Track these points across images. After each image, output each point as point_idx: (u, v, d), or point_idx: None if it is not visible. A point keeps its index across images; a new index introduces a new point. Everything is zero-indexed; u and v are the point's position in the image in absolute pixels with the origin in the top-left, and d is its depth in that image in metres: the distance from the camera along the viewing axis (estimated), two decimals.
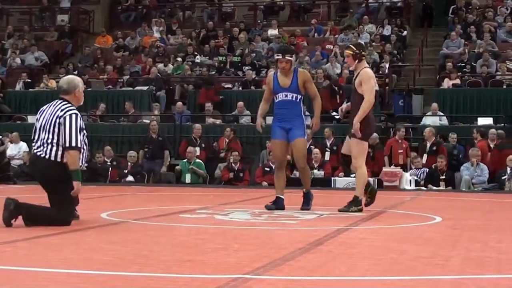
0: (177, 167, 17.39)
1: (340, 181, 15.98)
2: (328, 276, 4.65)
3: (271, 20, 25.26)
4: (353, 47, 9.36)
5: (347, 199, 9.25)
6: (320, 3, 26.24)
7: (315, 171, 15.96)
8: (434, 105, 18.55)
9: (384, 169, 16.12)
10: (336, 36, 23.20)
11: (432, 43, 23.55)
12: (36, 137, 7.22)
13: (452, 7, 24.37)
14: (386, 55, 21.48)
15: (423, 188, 15.83)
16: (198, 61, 22.84)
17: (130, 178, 17.25)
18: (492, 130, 16.75)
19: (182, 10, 27.38)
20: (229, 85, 21.41)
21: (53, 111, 7.13)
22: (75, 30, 26.85)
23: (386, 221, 8.53)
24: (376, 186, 15.52)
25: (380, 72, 20.76)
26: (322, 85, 18.79)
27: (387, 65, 21.03)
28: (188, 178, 16.95)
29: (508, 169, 15.67)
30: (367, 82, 9.09)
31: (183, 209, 9.76)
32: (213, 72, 21.86)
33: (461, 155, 16.85)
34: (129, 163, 17.51)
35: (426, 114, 18.97)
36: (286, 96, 9.28)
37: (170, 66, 22.55)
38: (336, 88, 18.69)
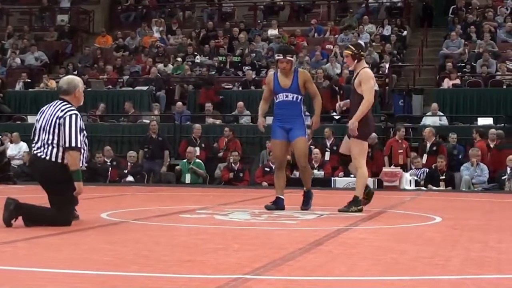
0: (177, 167, 17.39)
1: (340, 181, 15.98)
2: (328, 276, 4.64)
3: (271, 20, 25.26)
4: (352, 47, 9.37)
5: (347, 199, 9.25)
6: (320, 3, 26.25)
7: (315, 171, 15.96)
8: (434, 105, 18.55)
9: (384, 169, 16.13)
10: (336, 36, 23.20)
11: (432, 43, 23.55)
12: (36, 138, 7.21)
13: (452, 7, 24.37)
14: (386, 55, 21.48)
15: (423, 188, 15.83)
16: (198, 61, 22.85)
17: (130, 178, 17.25)
18: (492, 130, 16.75)
19: (182, 10, 27.38)
20: (229, 85, 21.40)
21: (53, 111, 7.13)
22: (75, 30, 26.85)
23: (386, 221, 8.53)
24: (376, 186, 15.62)
25: (380, 72, 20.77)
26: (322, 85, 18.80)
27: (387, 65, 21.03)
28: (188, 178, 16.95)
29: (508, 169, 15.67)
30: (367, 82, 9.08)
31: (183, 209, 9.75)
32: (213, 72, 21.86)
33: (461, 155, 16.84)
34: (129, 163, 17.51)
35: (426, 114, 18.97)
36: (287, 96, 9.28)
37: (170, 66, 22.55)
38: (337, 88, 18.70)
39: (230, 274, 4.55)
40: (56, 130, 7.05)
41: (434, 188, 15.76)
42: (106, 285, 4.27)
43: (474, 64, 20.59)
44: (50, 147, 7.06)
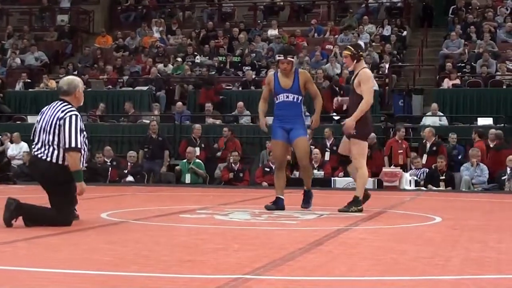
0: (177, 167, 17.40)
1: (340, 181, 15.98)
2: (328, 276, 4.65)
3: (271, 20, 25.26)
4: (351, 47, 9.40)
5: (347, 199, 9.25)
6: (320, 3, 26.25)
7: (315, 171, 15.96)
8: (434, 105, 18.55)
9: (384, 169, 16.12)
10: (336, 36, 23.20)
11: (432, 43, 23.55)
12: (36, 139, 7.21)
13: (452, 7, 24.37)
14: (386, 55, 21.49)
15: (423, 188, 15.83)
16: (198, 61, 22.85)
17: (130, 178, 17.24)
18: (491, 131, 16.75)
19: (182, 10, 27.38)
20: (230, 86, 21.40)
21: (53, 112, 7.12)
22: (75, 30, 26.84)
23: (386, 221, 8.54)
24: (376, 186, 15.63)
25: (380, 72, 20.78)
26: (322, 85, 18.80)
27: (387, 65, 21.03)
28: (188, 178, 16.95)
29: (508, 169, 15.67)
30: (366, 83, 9.10)
31: (183, 209, 9.76)
32: (213, 72, 21.86)
33: (460, 155, 16.84)
34: (129, 163, 17.51)
35: (426, 114, 18.97)
36: (287, 97, 9.29)
37: (170, 66, 22.55)
38: (337, 89, 18.70)
39: (230, 274, 4.55)
40: (57, 131, 7.05)
41: (434, 188, 15.76)
42: (106, 285, 4.27)
43: (474, 64, 20.60)
44: (50, 148, 7.06)
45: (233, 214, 8.86)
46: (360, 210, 9.00)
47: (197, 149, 17.61)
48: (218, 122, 19.43)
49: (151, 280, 4.40)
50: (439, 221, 8.36)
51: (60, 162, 7.05)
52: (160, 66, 22.38)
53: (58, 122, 7.05)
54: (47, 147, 7.07)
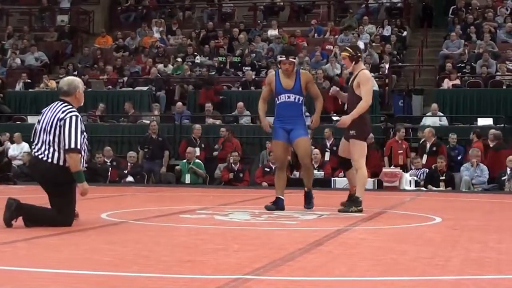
0: (177, 168, 17.40)
1: (340, 181, 15.97)
2: (328, 276, 4.65)
3: (271, 21, 25.26)
4: (349, 49, 9.46)
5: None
6: (320, 4, 26.25)
7: (315, 171, 15.95)
8: (434, 105, 18.55)
9: (384, 169, 16.13)
10: (336, 36, 23.20)
11: (432, 43, 23.56)
12: (36, 139, 7.20)
13: (452, 7, 24.38)
14: (386, 56, 21.49)
15: (423, 188, 15.83)
16: (198, 61, 22.85)
17: (130, 178, 17.24)
18: (491, 131, 16.75)
19: (182, 10, 27.37)
20: (229, 85, 21.40)
21: (54, 113, 7.12)
22: (75, 30, 26.85)
23: (386, 221, 8.54)
24: (376, 187, 15.64)
25: (380, 73, 20.79)
26: (322, 85, 18.79)
27: (387, 66, 21.03)
28: (188, 178, 16.95)
29: (508, 169, 15.67)
30: (366, 84, 9.14)
31: (183, 209, 9.76)
32: (213, 73, 21.86)
33: (460, 155, 16.84)
34: (129, 164, 17.51)
35: (426, 114, 18.97)
36: (289, 97, 9.30)
37: (170, 66, 22.55)
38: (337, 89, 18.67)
39: (230, 274, 4.55)
40: (57, 132, 7.04)
41: (434, 188, 15.76)
42: (106, 286, 4.27)
43: (474, 65, 20.60)
44: (51, 149, 7.06)
45: (233, 215, 8.86)
46: (360, 211, 9.01)
47: (197, 149, 17.61)
48: (218, 122, 19.43)
49: (151, 280, 4.40)
50: (439, 222, 8.36)
51: (60, 163, 7.04)
52: (160, 66, 22.38)
53: (58, 123, 7.04)
54: (47, 147, 7.07)
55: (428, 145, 16.66)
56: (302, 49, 22.03)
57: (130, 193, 13.86)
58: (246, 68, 21.77)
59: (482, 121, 17.92)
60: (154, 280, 4.40)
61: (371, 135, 15.24)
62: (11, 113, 21.40)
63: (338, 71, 20.70)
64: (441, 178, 15.92)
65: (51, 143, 7.06)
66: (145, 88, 21.17)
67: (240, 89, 20.99)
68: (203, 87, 20.49)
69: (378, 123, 18.60)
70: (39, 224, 6.91)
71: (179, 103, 19.98)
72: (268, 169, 16.45)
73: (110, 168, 17.39)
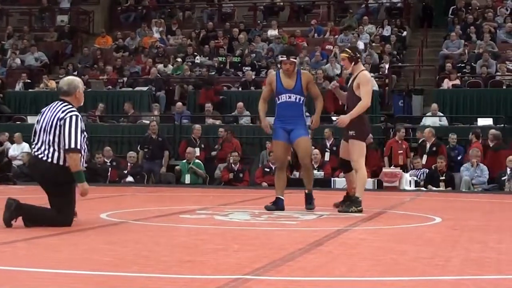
0: (176, 168, 17.39)
1: (340, 181, 15.94)
2: (328, 276, 4.65)
3: (271, 21, 25.26)
4: (348, 50, 9.50)
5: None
6: (320, 4, 26.25)
7: (315, 171, 15.95)
8: (434, 105, 18.55)
9: (384, 169, 16.13)
10: (336, 36, 23.20)
11: (432, 43, 23.55)
12: (36, 139, 7.20)
13: (452, 7, 24.38)
14: (386, 56, 21.48)
15: (423, 188, 15.82)
16: (198, 61, 22.84)
17: (129, 178, 17.24)
18: (491, 131, 16.75)
19: (182, 10, 27.37)
20: (229, 85, 21.40)
21: (54, 112, 7.11)
22: (75, 30, 26.85)
23: (386, 221, 8.53)
24: (376, 187, 15.64)
25: (380, 73, 20.78)
26: (321, 85, 18.78)
27: (387, 66, 21.03)
28: (187, 178, 16.95)
29: (508, 169, 15.67)
30: (366, 85, 9.17)
31: (183, 209, 9.76)
32: (213, 73, 21.86)
33: (460, 155, 16.84)
34: (128, 164, 17.50)
35: (426, 114, 18.96)
36: (290, 97, 9.31)
37: (170, 66, 22.55)
38: None
39: (230, 274, 4.55)
40: (57, 131, 7.04)
41: (434, 188, 15.76)
42: (106, 286, 4.27)
43: (474, 65, 20.59)
44: (51, 149, 7.05)
45: (233, 215, 8.86)
46: (360, 211, 9.00)
47: (197, 149, 17.61)
48: (218, 122, 19.42)
49: (151, 280, 4.40)
50: (439, 222, 8.35)
51: (60, 163, 7.04)
52: (160, 66, 22.38)
53: (58, 123, 7.04)
54: (47, 147, 7.07)
55: (428, 145, 16.65)
56: (302, 49, 22.02)
57: (130, 193, 13.86)
58: (246, 68, 21.76)
59: (482, 121, 17.91)
60: (154, 280, 4.40)
61: (370, 135, 15.24)
62: (11, 113, 21.40)
63: (338, 71, 20.69)
64: (441, 178, 15.92)
65: (51, 143, 7.05)
66: (145, 88, 21.17)
67: (240, 89, 20.99)
68: (203, 87, 20.49)
69: (378, 123, 18.60)
70: (38, 224, 6.90)
71: (179, 103, 19.98)
72: (268, 169, 16.44)
73: (110, 168, 17.39)
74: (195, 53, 23.28)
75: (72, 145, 6.97)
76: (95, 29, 27.39)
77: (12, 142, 18.56)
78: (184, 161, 17.24)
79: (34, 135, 7.23)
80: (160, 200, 12.16)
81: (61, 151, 7.03)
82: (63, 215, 7.02)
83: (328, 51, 22.28)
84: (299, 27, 24.45)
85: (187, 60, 22.76)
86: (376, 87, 18.45)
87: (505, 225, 8.33)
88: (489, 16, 22.83)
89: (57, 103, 7.22)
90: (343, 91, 9.94)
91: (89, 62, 24.02)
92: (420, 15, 25.86)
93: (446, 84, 19.66)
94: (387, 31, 23.36)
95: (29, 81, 22.59)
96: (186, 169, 17.02)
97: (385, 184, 15.75)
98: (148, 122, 18.83)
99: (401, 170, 16.08)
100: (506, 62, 20.41)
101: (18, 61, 24.18)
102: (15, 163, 17.99)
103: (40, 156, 7.09)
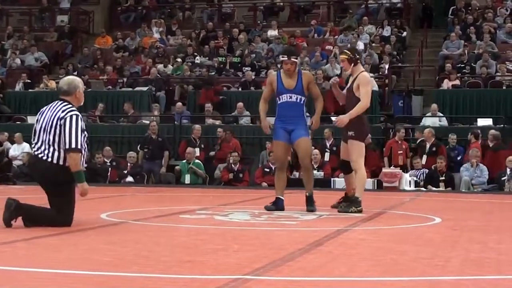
0: (176, 168, 17.39)
1: (340, 181, 15.90)
2: (328, 276, 4.65)
3: (270, 21, 25.26)
4: (348, 51, 9.53)
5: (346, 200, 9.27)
6: (320, 4, 26.26)
7: (315, 171, 15.95)
8: (434, 106, 18.56)
9: (384, 170, 16.13)
10: (336, 37, 23.20)
11: (432, 44, 23.56)
12: (36, 139, 7.19)
13: (452, 8, 24.39)
14: (386, 56, 21.48)
15: (423, 189, 15.82)
16: (198, 61, 22.84)
17: (129, 178, 17.24)
18: (491, 131, 16.75)
19: (182, 10, 27.37)
20: (229, 86, 21.40)
21: (54, 112, 7.11)
22: (75, 30, 26.85)
23: (386, 222, 8.53)
24: (375, 187, 15.64)
25: (380, 73, 20.78)
26: (321, 86, 18.79)
27: (386, 66, 21.04)
28: (187, 178, 16.95)
29: (508, 170, 15.67)
30: (365, 86, 9.19)
31: (182, 209, 9.76)
32: (213, 73, 21.86)
33: (460, 156, 16.84)
34: (128, 164, 17.50)
35: (426, 115, 18.97)
36: (291, 97, 9.31)
37: (170, 66, 22.55)
38: None
39: (230, 274, 4.55)
40: (57, 131, 7.03)
41: (434, 189, 15.76)
42: (106, 286, 4.27)
43: (474, 65, 20.60)
44: (51, 148, 7.05)
45: (233, 215, 8.86)
46: (360, 211, 9.01)
47: (197, 149, 17.61)
48: (218, 122, 19.42)
49: (151, 280, 4.40)
50: (438, 222, 8.36)
51: (60, 162, 7.04)
52: (160, 66, 22.38)
53: (58, 122, 7.03)
54: (47, 147, 7.07)
55: (427, 146, 16.65)
56: (302, 50, 22.02)
57: (130, 193, 13.86)
58: (246, 68, 21.77)
59: (482, 122, 17.92)
60: (153, 280, 4.40)
61: (369, 135, 15.25)
62: (11, 113, 21.40)
63: (338, 72, 20.68)
64: (441, 178, 15.92)
65: (51, 143, 7.05)
66: (145, 89, 21.18)
67: (240, 89, 20.99)
68: (203, 88, 20.49)
69: (378, 124, 18.60)
70: (38, 224, 6.90)
71: (179, 103, 19.98)
72: (268, 170, 16.44)
73: (110, 168, 17.38)
74: (195, 53, 23.29)
75: (73, 145, 6.97)
76: (95, 29, 27.39)
77: (12, 142, 18.56)
78: (184, 161, 17.24)
79: (34, 135, 7.23)
80: (160, 200, 12.16)
81: (61, 150, 7.03)
82: (63, 215, 7.02)
83: (328, 51, 22.28)
84: (299, 28, 24.45)
85: (187, 60, 22.76)
86: (376, 88, 18.45)
87: (504, 226, 8.33)
88: (489, 16, 22.84)
89: (57, 102, 7.21)
90: (342, 90, 9.94)
91: (89, 62, 24.02)
92: (420, 15, 25.88)
93: (446, 84, 19.67)
94: (387, 31, 23.37)
95: (29, 81, 22.59)
96: (186, 169, 17.02)
97: (385, 184, 15.75)
98: (148, 122, 18.83)
99: (401, 170, 16.08)
100: (506, 62, 20.41)
101: (18, 61, 24.19)
102: (15, 163, 17.98)
103: (40, 155, 7.09)
